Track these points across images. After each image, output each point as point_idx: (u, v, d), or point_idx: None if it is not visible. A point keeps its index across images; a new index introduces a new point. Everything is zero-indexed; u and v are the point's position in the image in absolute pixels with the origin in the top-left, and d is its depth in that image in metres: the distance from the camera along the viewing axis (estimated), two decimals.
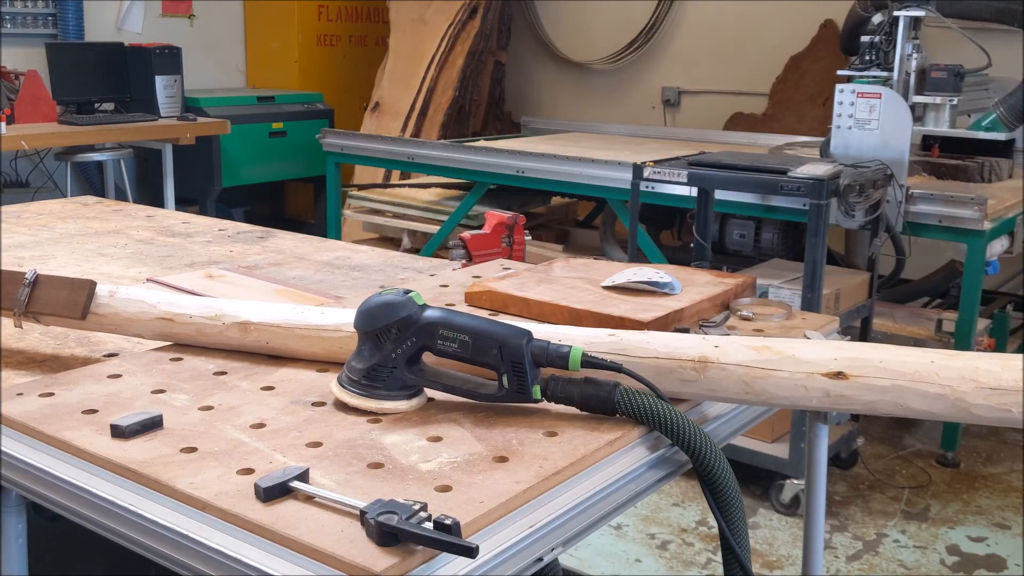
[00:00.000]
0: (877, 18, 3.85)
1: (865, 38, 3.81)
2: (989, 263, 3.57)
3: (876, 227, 3.40)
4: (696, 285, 1.74)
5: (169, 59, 5.77)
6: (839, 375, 1.22)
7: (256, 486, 1.02)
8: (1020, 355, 1.18)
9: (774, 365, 1.25)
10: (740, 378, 1.26)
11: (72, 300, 1.49)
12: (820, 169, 3.06)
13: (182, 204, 5.66)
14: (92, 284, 1.50)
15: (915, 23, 3.74)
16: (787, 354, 1.25)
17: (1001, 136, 3.95)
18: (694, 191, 3.44)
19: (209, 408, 1.27)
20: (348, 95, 6.98)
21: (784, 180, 3.05)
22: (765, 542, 3.18)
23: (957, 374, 1.18)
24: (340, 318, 1.42)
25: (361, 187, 5.44)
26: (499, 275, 1.87)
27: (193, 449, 1.14)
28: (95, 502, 1.10)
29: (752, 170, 3.17)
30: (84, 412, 1.25)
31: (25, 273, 1.52)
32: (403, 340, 1.24)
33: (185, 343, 1.51)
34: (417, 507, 0.95)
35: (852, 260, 4.37)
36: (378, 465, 1.11)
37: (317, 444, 1.16)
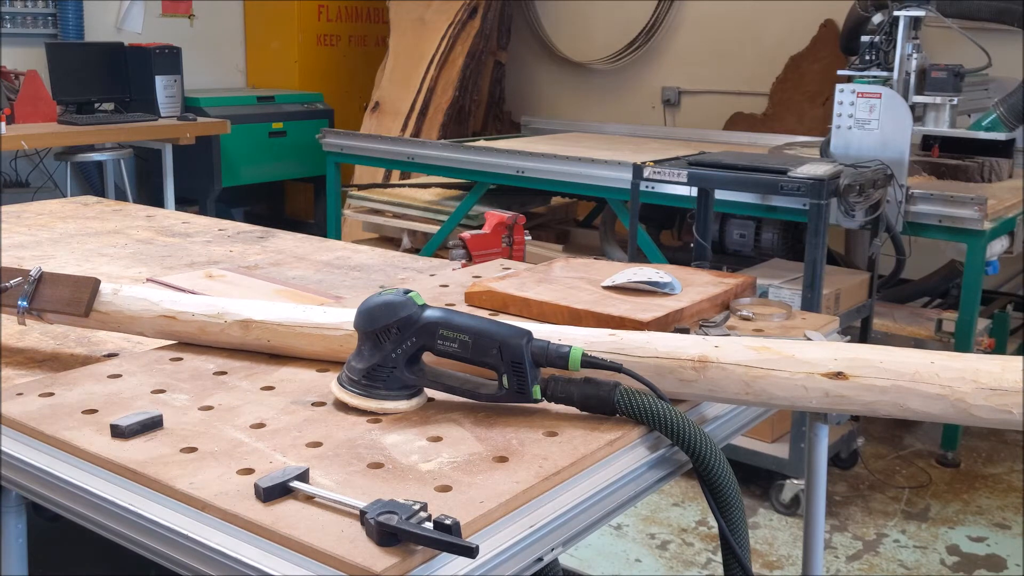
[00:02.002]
0: (877, 18, 3.85)
1: (865, 38, 3.81)
2: (989, 263, 3.57)
3: (876, 227, 3.40)
4: (696, 285, 1.74)
5: (169, 59, 5.77)
6: (839, 375, 1.22)
7: (256, 486, 1.02)
8: (1020, 357, 1.18)
9: (774, 365, 1.25)
10: (740, 378, 1.26)
11: (76, 298, 1.49)
12: (820, 169, 3.06)
13: (182, 204, 5.66)
14: (96, 282, 1.51)
15: (915, 23, 3.74)
16: (787, 354, 1.25)
17: (1001, 136, 3.95)
18: (694, 191, 3.43)
19: (209, 408, 1.27)
20: (348, 95, 6.98)
21: (784, 180, 3.05)
22: (765, 542, 3.18)
23: (957, 375, 1.18)
24: (341, 317, 1.42)
25: (361, 187, 5.44)
26: (499, 275, 1.87)
27: (193, 449, 1.14)
28: (95, 502, 1.10)
29: (752, 170, 3.17)
30: (84, 412, 1.25)
31: (30, 270, 1.52)
32: (403, 340, 1.24)
33: (187, 341, 1.52)
34: (417, 507, 0.95)
35: (852, 260, 4.37)
36: (378, 465, 1.11)
37: (317, 444, 1.16)
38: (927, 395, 1.18)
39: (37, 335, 1.64)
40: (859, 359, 1.22)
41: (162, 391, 1.33)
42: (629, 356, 1.30)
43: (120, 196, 5.83)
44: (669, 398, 1.26)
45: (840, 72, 3.84)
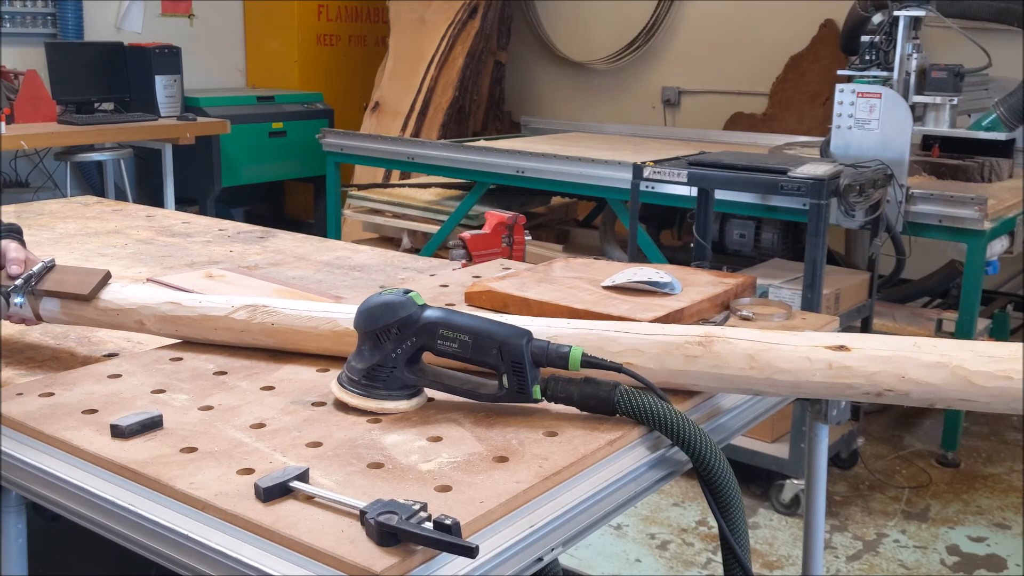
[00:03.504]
0: (877, 18, 3.85)
1: (865, 38, 3.81)
2: (989, 263, 3.57)
3: (876, 227, 3.40)
4: (696, 285, 1.74)
5: (169, 59, 5.77)
6: (841, 347, 1.25)
7: (256, 486, 1.02)
8: (1019, 343, 1.20)
9: (779, 339, 1.29)
10: (745, 351, 1.27)
11: (84, 281, 1.49)
12: (820, 169, 3.06)
13: (182, 204, 5.66)
14: (107, 273, 1.51)
15: (915, 23, 3.74)
16: (791, 334, 1.31)
17: (1001, 136, 3.95)
18: (694, 191, 3.43)
19: (209, 408, 1.27)
20: (348, 95, 6.98)
21: (784, 180, 3.05)
22: (765, 542, 3.18)
23: (956, 345, 1.22)
24: (346, 308, 1.42)
25: (361, 187, 5.44)
26: (499, 275, 1.87)
27: (193, 449, 1.14)
28: (95, 502, 1.10)
29: (752, 170, 3.17)
30: (84, 412, 1.25)
31: (43, 259, 1.53)
32: (403, 340, 1.24)
33: (188, 335, 1.51)
34: (417, 507, 0.95)
35: (852, 260, 4.36)
36: (378, 465, 1.11)
37: (317, 444, 1.16)
38: (927, 363, 1.21)
39: (37, 335, 1.64)
40: (860, 336, 1.28)
41: (162, 391, 1.33)
42: (637, 334, 1.31)
43: (120, 196, 5.83)
44: (674, 385, 1.26)
45: (840, 72, 3.84)
